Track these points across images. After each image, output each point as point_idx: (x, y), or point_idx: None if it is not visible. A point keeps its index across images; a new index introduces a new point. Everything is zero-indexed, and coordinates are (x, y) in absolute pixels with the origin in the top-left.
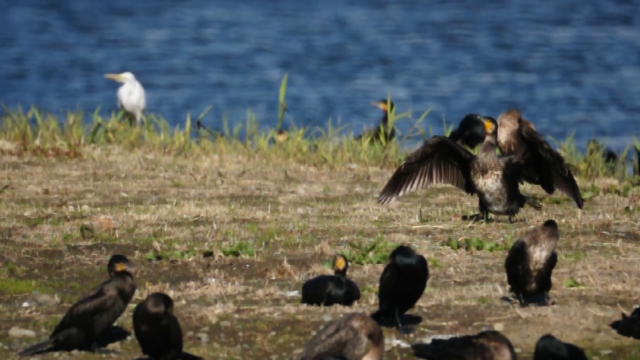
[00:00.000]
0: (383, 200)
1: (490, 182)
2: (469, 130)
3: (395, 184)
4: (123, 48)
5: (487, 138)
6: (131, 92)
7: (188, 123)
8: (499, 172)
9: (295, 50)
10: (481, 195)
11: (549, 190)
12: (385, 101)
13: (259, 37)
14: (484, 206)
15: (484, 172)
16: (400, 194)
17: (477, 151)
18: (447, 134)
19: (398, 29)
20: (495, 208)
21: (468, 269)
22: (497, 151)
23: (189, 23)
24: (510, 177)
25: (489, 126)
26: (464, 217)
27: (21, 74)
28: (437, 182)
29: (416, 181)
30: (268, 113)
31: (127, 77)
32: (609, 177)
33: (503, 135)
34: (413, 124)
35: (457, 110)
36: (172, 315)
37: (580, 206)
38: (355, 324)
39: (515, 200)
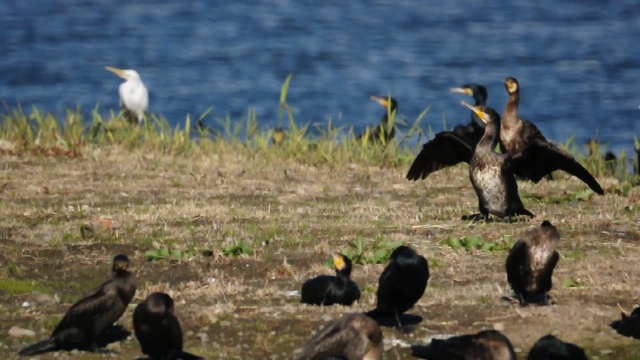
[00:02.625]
0: (412, 178)
1: (488, 177)
2: (474, 127)
3: (421, 164)
4: (124, 42)
5: (487, 130)
6: (133, 90)
7: (188, 123)
8: (497, 168)
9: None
10: (479, 191)
11: (535, 180)
12: (386, 98)
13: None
14: (483, 205)
15: (481, 166)
16: (429, 173)
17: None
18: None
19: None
20: (493, 207)
21: (468, 268)
22: (497, 149)
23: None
24: (510, 175)
25: (480, 115)
26: (464, 217)
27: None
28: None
29: (439, 163)
30: (272, 111)
31: (130, 74)
32: (609, 177)
33: (509, 135)
34: (412, 124)
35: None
36: (172, 315)
37: (600, 192)
38: (356, 324)
39: (514, 201)
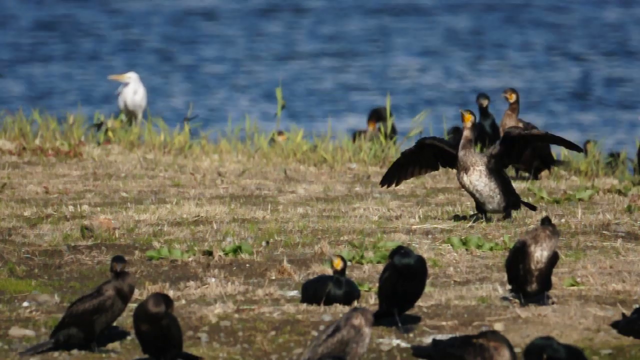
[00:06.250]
0: (386, 185)
1: (475, 179)
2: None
3: (397, 171)
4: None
5: (465, 133)
6: (136, 92)
7: (186, 125)
8: (481, 168)
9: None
10: (472, 195)
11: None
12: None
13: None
14: (480, 207)
15: (466, 169)
16: (403, 180)
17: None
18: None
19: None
20: (490, 207)
21: (468, 268)
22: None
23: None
24: (497, 171)
25: (469, 118)
26: (464, 217)
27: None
28: (440, 168)
29: (416, 170)
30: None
31: (131, 76)
32: (609, 176)
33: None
34: (414, 124)
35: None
36: (172, 315)
37: (579, 150)
38: (356, 321)
39: (510, 195)
